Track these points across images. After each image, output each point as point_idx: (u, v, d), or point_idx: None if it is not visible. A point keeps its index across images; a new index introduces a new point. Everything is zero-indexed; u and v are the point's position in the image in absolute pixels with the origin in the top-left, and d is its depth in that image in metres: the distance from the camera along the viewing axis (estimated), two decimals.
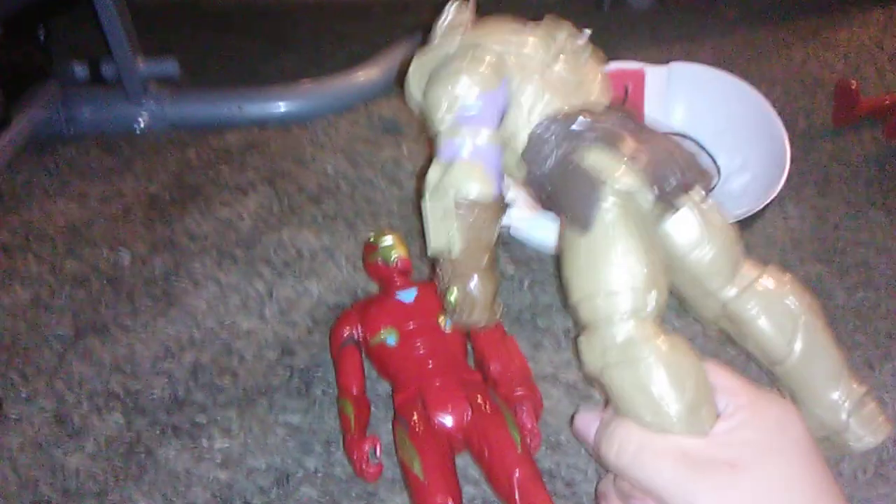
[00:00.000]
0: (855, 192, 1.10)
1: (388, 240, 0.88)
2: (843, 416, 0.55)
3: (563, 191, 0.47)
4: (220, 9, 1.98)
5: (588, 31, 0.56)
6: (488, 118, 0.51)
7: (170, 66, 1.31)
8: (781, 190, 0.94)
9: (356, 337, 0.81)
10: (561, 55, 0.52)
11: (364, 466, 0.70)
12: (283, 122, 1.31)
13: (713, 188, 0.83)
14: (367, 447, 0.71)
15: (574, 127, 0.47)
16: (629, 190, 0.45)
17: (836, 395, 0.55)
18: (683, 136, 1.09)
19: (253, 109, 1.33)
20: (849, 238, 1.01)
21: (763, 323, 0.53)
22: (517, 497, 0.63)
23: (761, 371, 0.59)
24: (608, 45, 0.60)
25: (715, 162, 1.07)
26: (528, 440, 0.69)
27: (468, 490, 0.70)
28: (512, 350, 0.80)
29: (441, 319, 0.78)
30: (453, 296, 0.57)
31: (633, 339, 0.44)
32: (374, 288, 0.92)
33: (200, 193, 1.15)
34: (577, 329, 0.51)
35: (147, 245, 1.04)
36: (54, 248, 1.03)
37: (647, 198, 0.46)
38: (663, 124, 1.00)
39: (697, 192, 0.51)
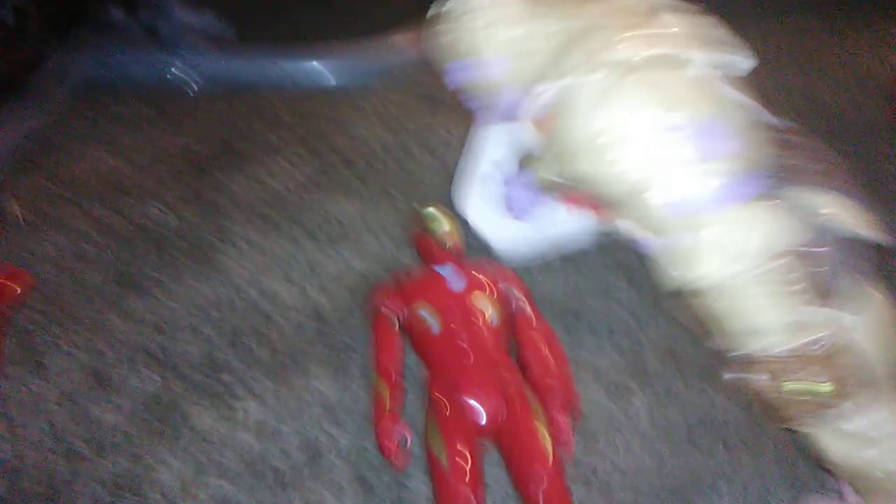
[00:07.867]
0: None
1: (431, 212, 0.84)
2: None
3: None
4: None
5: None
6: None
7: (208, 19, 1.31)
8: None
9: (395, 312, 0.79)
10: None
11: (393, 455, 0.69)
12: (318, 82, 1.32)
13: None
14: (398, 435, 0.70)
15: None
16: None
17: None
18: None
19: (290, 67, 1.32)
20: None
21: None
22: None
23: None
24: None
25: None
26: (562, 445, 0.68)
27: (493, 472, 0.70)
28: (554, 349, 0.78)
29: (489, 313, 0.77)
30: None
31: None
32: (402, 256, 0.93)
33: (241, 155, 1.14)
34: None
35: (177, 199, 1.04)
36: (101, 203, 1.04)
37: None
38: None
39: None
